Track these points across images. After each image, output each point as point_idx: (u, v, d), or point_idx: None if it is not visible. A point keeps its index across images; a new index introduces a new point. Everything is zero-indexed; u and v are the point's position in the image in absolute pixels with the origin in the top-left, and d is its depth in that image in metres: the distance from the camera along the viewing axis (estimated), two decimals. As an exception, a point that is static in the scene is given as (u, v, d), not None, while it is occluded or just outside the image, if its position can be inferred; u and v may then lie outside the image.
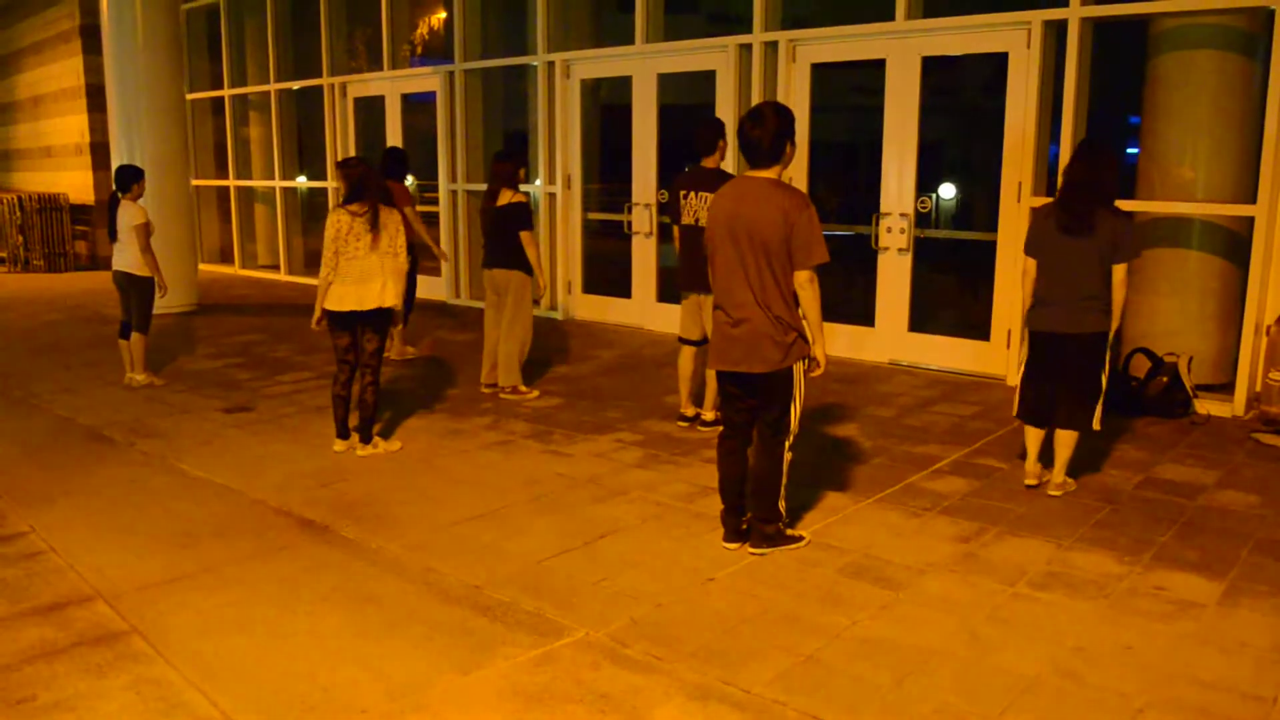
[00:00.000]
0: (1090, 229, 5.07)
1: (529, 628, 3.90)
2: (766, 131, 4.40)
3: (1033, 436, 5.52)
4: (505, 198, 7.30)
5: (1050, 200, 5.36)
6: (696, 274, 6.31)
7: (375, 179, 6.19)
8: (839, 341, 8.89)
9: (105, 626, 3.94)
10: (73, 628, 3.92)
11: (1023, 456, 5.69)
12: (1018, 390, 5.51)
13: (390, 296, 6.10)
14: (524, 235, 7.33)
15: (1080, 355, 5.23)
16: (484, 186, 7.62)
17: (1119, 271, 5.12)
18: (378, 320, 6.16)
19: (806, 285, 4.39)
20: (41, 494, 5.52)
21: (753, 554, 4.60)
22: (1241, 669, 3.57)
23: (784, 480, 4.62)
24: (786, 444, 4.59)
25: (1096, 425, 5.34)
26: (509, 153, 7.57)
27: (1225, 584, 4.28)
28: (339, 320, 6.14)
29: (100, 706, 3.35)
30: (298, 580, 4.38)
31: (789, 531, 4.71)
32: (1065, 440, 5.37)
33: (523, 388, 7.61)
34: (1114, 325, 5.23)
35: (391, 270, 6.09)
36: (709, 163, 6.41)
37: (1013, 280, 7.58)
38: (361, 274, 6.04)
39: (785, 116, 4.48)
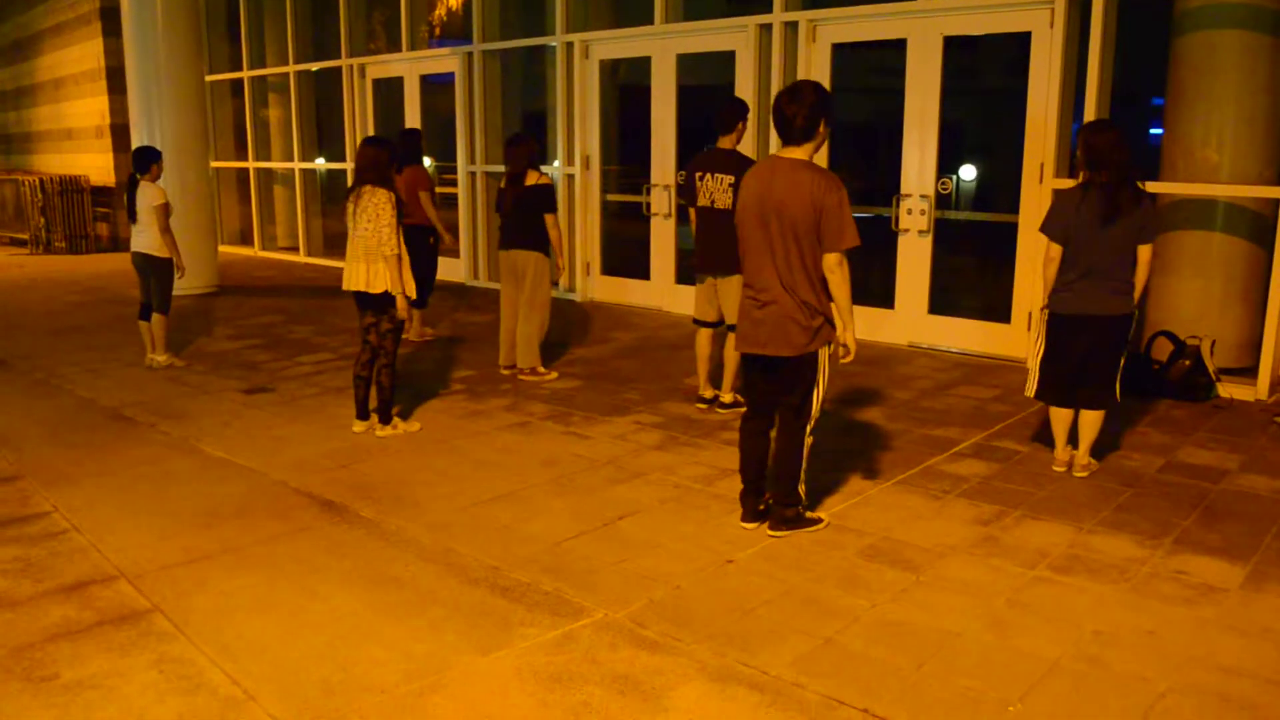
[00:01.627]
0: (1123, 212, 5.02)
1: (548, 609, 3.91)
2: (802, 107, 4.36)
3: (1059, 418, 5.48)
4: (532, 178, 7.30)
5: (1074, 184, 5.28)
6: (711, 256, 6.29)
7: (374, 159, 6.12)
8: (859, 323, 8.72)
9: (128, 606, 3.97)
10: (95, 607, 3.96)
11: (1045, 440, 5.67)
12: (1034, 372, 5.47)
13: (377, 281, 6.05)
14: (548, 217, 7.33)
15: (1107, 336, 5.20)
16: (502, 168, 7.60)
17: (1144, 252, 5.09)
18: (373, 303, 6.15)
19: (836, 269, 4.35)
20: (64, 474, 5.56)
21: (771, 536, 4.60)
22: (1264, 654, 3.55)
23: (804, 464, 4.60)
24: (808, 428, 4.57)
25: (1118, 398, 5.35)
26: (522, 135, 7.56)
27: (1248, 569, 4.25)
28: (355, 299, 6.20)
29: (122, 685, 3.37)
30: (318, 560, 4.40)
31: (808, 514, 4.71)
32: (1091, 420, 5.36)
33: (541, 369, 7.62)
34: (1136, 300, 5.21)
35: (372, 254, 6.02)
36: (725, 143, 6.38)
37: (1034, 262, 7.52)
38: (350, 254, 6.14)
39: (823, 96, 4.42)
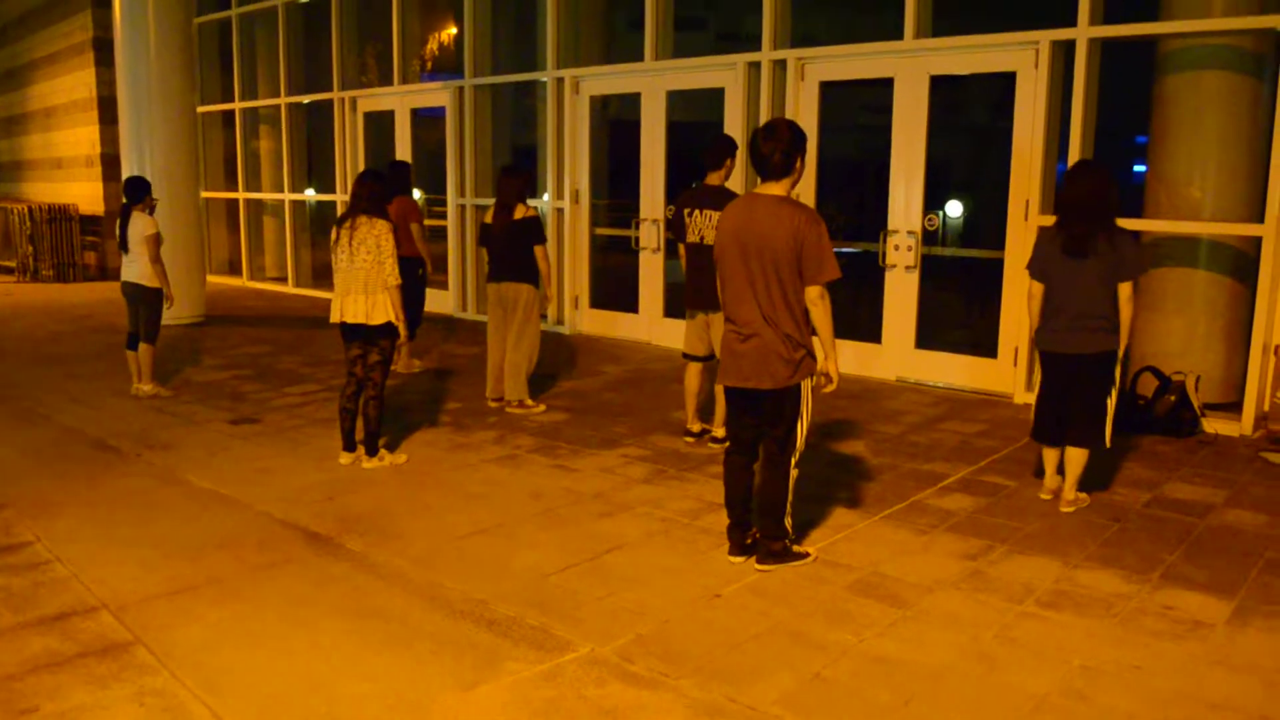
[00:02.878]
0: (1093, 249, 5.11)
1: (534, 643, 3.89)
2: (779, 144, 4.43)
3: (1049, 455, 5.57)
4: (520, 212, 7.33)
5: (1052, 222, 5.39)
6: (702, 292, 6.31)
7: (369, 191, 6.17)
8: (846, 358, 8.82)
9: (109, 637, 3.94)
10: (77, 638, 3.92)
11: (1038, 474, 5.71)
12: (1033, 411, 5.54)
13: (378, 312, 6.06)
14: (538, 249, 7.36)
15: (1089, 374, 5.28)
16: (493, 201, 7.64)
17: (1124, 289, 5.16)
18: (368, 335, 6.14)
19: (817, 301, 4.39)
20: (48, 504, 5.52)
21: (759, 570, 4.59)
22: (1251, 690, 3.55)
23: (790, 497, 4.61)
24: (793, 460, 4.58)
25: (1107, 443, 5.37)
26: (518, 167, 7.59)
27: (1234, 604, 4.26)
28: (341, 332, 6.19)
29: (104, 718, 3.34)
30: (303, 593, 4.37)
31: (795, 548, 4.70)
32: (1076, 458, 5.39)
33: (529, 401, 7.61)
34: (1122, 344, 5.26)
35: (372, 285, 6.03)
36: (714, 179, 6.43)
37: (1020, 299, 7.56)
38: (343, 286, 6.11)
39: (798, 133, 4.51)
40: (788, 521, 4.62)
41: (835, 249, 4.45)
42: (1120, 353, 5.28)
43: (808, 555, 4.71)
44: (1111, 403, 5.32)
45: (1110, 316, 5.19)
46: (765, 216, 4.41)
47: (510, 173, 7.50)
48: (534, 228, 7.38)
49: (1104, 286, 5.15)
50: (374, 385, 6.20)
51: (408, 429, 7.07)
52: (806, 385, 4.52)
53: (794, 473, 4.60)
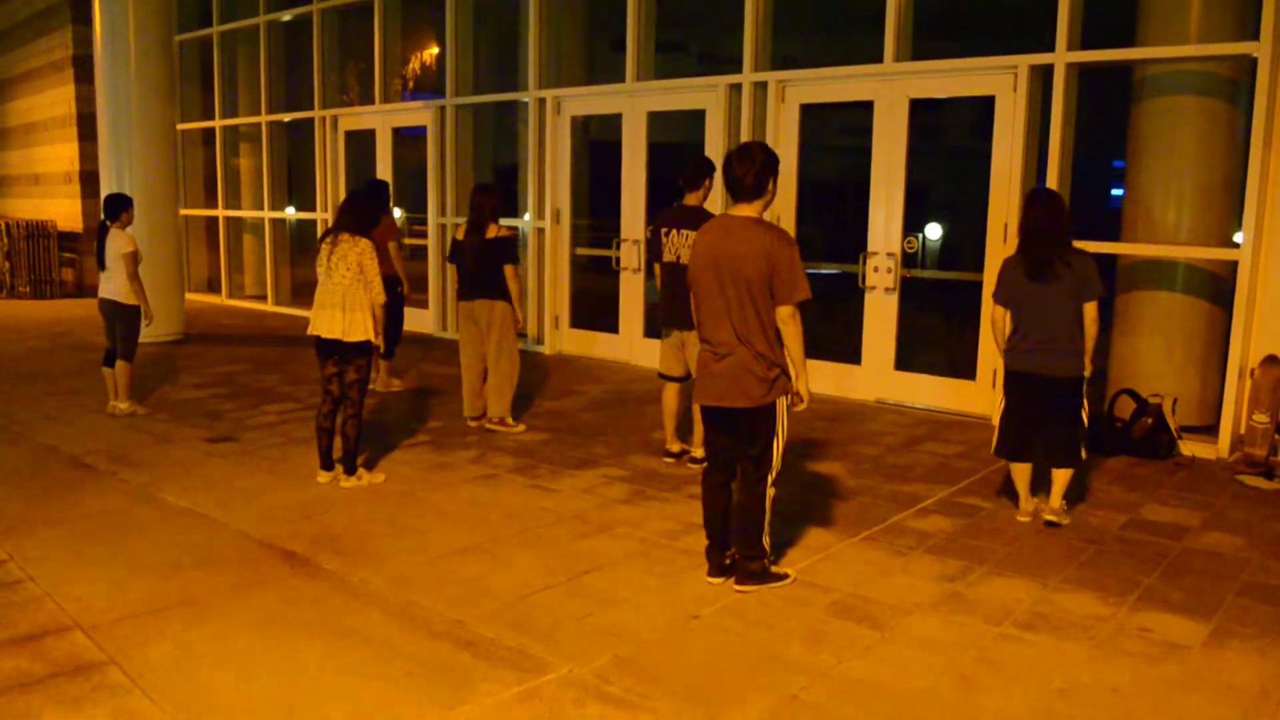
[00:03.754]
0: (1054, 273, 5.26)
1: (512, 664, 3.86)
2: (752, 166, 4.47)
3: (1019, 473, 5.63)
4: (493, 231, 7.32)
5: (1014, 251, 5.51)
6: (678, 311, 6.32)
7: (356, 208, 6.20)
8: (825, 379, 8.90)
9: (82, 657, 3.89)
10: (49, 658, 3.87)
11: (1009, 495, 5.75)
12: (997, 429, 5.65)
13: (354, 330, 6.03)
14: (508, 269, 7.34)
15: (1061, 400, 5.42)
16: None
17: (1089, 310, 5.31)
18: (344, 351, 6.11)
19: (789, 321, 4.42)
20: (21, 522, 5.46)
21: (737, 591, 4.58)
22: (1228, 712, 3.56)
23: (767, 516, 4.61)
24: (769, 479, 4.58)
25: (1083, 456, 5.54)
26: (492, 186, 7.60)
27: (1211, 626, 4.27)
28: (317, 347, 6.16)
29: (75, 739, 3.30)
30: (279, 613, 4.33)
31: (774, 569, 4.70)
32: (1059, 475, 5.55)
33: (510, 420, 7.59)
34: (1088, 364, 5.39)
35: (350, 303, 6.01)
36: (692, 200, 6.46)
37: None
38: (320, 300, 6.10)
39: (770, 155, 4.56)
40: (765, 541, 4.62)
41: (815, 270, 4.49)
42: (1088, 374, 5.40)
43: (786, 576, 4.70)
44: (1085, 417, 5.47)
45: (1076, 339, 5.32)
46: (738, 237, 4.45)
47: (483, 191, 7.49)
48: (507, 247, 7.38)
49: (1070, 308, 5.29)
50: (351, 404, 6.17)
51: (387, 448, 7.03)
52: (782, 404, 4.53)
53: (771, 492, 4.60)
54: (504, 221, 7.50)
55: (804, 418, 7.90)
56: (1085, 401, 5.45)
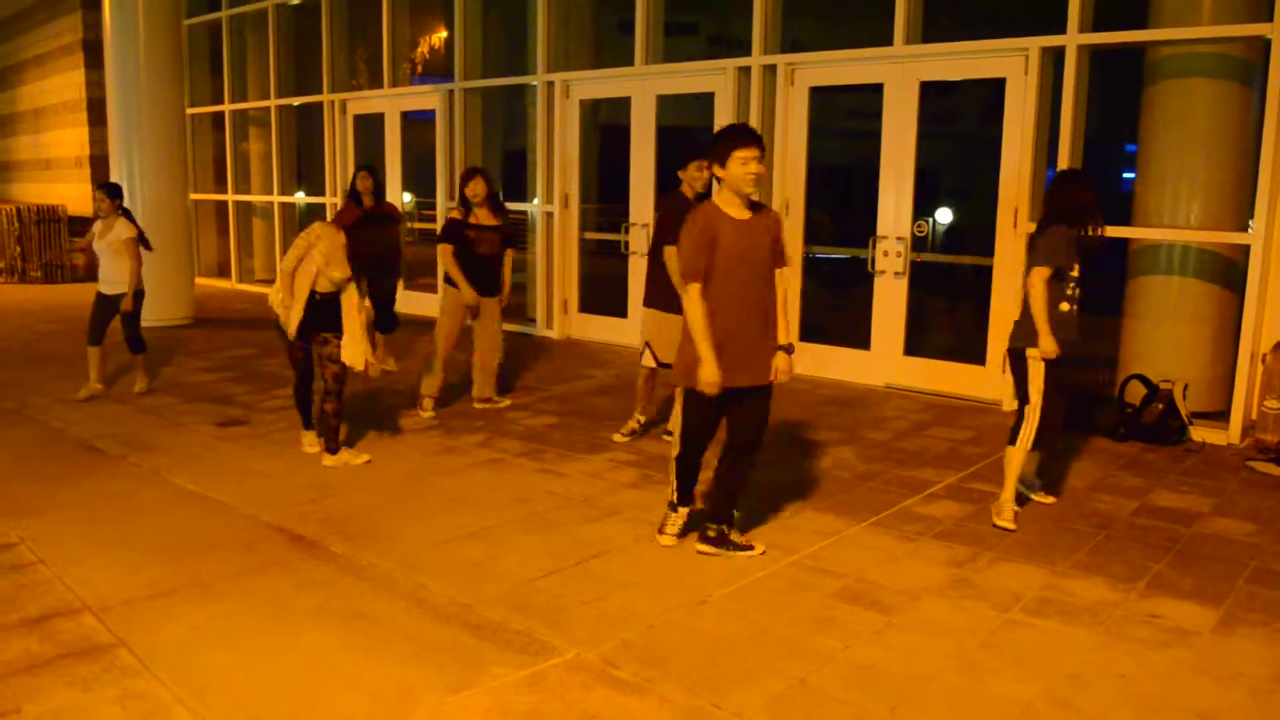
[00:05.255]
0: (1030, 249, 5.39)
1: (519, 647, 3.87)
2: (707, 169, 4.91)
3: (1033, 457, 5.64)
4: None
5: (1054, 224, 5.28)
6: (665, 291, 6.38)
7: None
8: (835, 364, 8.89)
9: (92, 639, 3.90)
10: (59, 640, 3.89)
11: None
12: (1038, 416, 5.34)
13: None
14: (439, 248, 7.50)
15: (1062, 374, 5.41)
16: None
17: (1025, 279, 5.32)
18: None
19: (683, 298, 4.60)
20: (32, 505, 5.48)
21: (698, 550, 4.83)
22: (1238, 698, 3.55)
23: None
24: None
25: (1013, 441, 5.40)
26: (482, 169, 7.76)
27: (1221, 612, 4.26)
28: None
29: (84, 721, 3.31)
30: (287, 596, 4.34)
31: (737, 539, 4.88)
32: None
33: (496, 397, 7.88)
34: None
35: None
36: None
37: (1010, 303, 7.56)
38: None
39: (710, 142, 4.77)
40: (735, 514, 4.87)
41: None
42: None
43: (751, 548, 4.85)
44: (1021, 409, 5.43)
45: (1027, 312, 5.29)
46: (756, 226, 4.62)
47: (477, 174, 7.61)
48: (444, 227, 7.53)
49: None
50: (331, 392, 6.28)
51: (394, 431, 7.04)
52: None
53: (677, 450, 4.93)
54: (511, 206, 7.56)
55: (813, 403, 7.89)
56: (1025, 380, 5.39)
